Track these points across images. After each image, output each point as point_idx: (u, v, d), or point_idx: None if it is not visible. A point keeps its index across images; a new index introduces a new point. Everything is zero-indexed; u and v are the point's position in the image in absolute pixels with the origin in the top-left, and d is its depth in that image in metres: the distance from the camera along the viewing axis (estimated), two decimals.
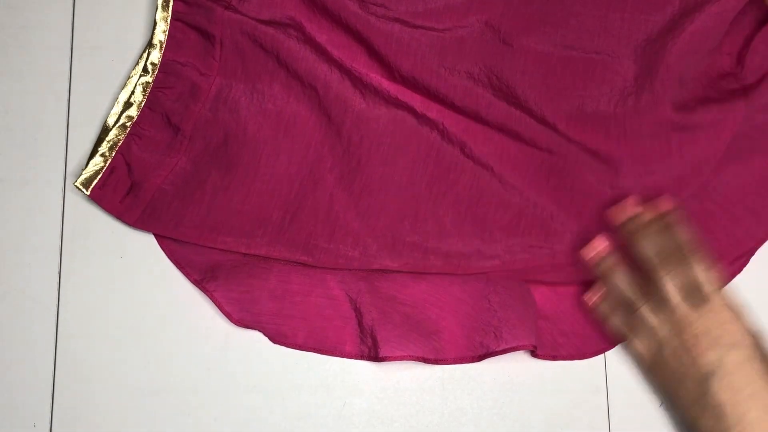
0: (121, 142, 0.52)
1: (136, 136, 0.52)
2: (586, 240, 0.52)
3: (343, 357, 0.52)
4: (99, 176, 0.52)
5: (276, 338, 0.52)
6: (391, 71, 0.52)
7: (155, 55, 0.53)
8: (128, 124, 0.52)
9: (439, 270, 0.52)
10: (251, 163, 0.52)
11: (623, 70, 0.51)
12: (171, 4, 0.52)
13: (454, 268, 0.52)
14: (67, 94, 0.55)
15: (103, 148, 0.52)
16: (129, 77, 0.53)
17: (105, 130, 0.53)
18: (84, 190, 0.52)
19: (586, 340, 0.52)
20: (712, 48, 0.52)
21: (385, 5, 0.51)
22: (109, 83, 0.54)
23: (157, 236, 0.53)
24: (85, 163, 0.53)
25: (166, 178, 0.53)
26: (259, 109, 0.53)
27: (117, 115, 0.53)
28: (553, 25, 0.52)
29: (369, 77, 0.52)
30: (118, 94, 0.54)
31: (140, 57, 0.53)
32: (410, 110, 0.53)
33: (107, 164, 0.52)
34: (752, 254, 0.54)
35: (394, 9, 0.51)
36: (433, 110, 0.52)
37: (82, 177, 0.52)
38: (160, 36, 0.53)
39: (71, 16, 0.55)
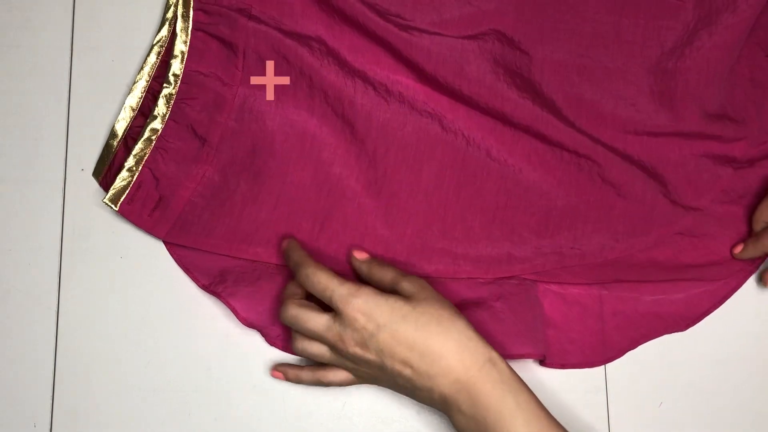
0: (147, 155, 0.51)
1: (162, 149, 0.52)
2: (614, 240, 0.52)
3: None
4: (127, 191, 0.51)
5: (277, 342, 0.52)
6: (416, 71, 0.51)
7: (177, 66, 0.52)
8: (153, 137, 0.52)
9: (469, 274, 0.52)
10: (279, 173, 0.52)
11: (638, 81, 0.51)
12: (191, 14, 0.52)
13: (484, 272, 0.52)
14: (67, 94, 0.55)
15: (130, 162, 0.51)
16: (135, 81, 0.53)
17: (113, 135, 0.53)
18: (112, 206, 0.51)
19: (594, 348, 0.52)
20: (733, 61, 0.51)
21: (401, 15, 0.51)
22: (109, 83, 0.54)
23: (165, 242, 0.53)
24: (92, 170, 0.53)
25: (195, 190, 0.52)
26: (285, 119, 0.52)
27: (126, 121, 0.53)
28: (566, 32, 0.51)
29: (393, 83, 0.52)
30: (119, 94, 0.54)
31: (144, 61, 0.53)
32: (435, 116, 0.52)
33: (134, 179, 0.51)
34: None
35: (410, 19, 0.51)
36: (460, 111, 0.52)
37: (110, 193, 0.51)
38: (180, 47, 0.52)
39: (71, 16, 0.55)
